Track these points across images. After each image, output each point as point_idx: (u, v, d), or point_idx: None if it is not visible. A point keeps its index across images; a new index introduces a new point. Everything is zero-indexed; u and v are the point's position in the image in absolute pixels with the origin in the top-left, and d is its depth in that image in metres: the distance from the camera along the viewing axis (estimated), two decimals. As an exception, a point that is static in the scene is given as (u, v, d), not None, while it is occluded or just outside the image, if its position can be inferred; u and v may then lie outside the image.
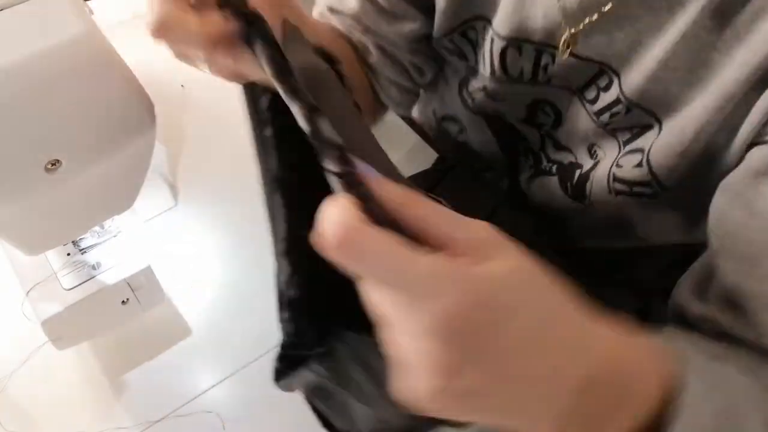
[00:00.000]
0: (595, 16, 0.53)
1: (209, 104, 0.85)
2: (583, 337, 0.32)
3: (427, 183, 0.75)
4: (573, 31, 0.55)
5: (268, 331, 0.66)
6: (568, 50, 0.55)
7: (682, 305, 0.49)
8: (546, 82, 0.62)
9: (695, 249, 0.82)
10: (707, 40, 0.50)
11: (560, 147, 0.68)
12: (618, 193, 0.61)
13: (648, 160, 0.57)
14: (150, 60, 0.90)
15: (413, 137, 0.82)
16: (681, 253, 0.79)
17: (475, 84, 0.68)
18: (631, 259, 0.75)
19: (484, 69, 0.64)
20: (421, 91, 0.91)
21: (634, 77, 0.55)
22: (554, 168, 0.69)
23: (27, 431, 0.60)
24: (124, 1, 0.96)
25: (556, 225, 0.76)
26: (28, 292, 0.56)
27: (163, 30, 0.39)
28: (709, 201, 0.58)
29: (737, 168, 0.50)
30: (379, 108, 0.73)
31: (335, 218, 0.26)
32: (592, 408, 0.32)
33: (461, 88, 0.71)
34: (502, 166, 0.77)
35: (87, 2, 0.51)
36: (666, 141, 0.55)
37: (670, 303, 0.52)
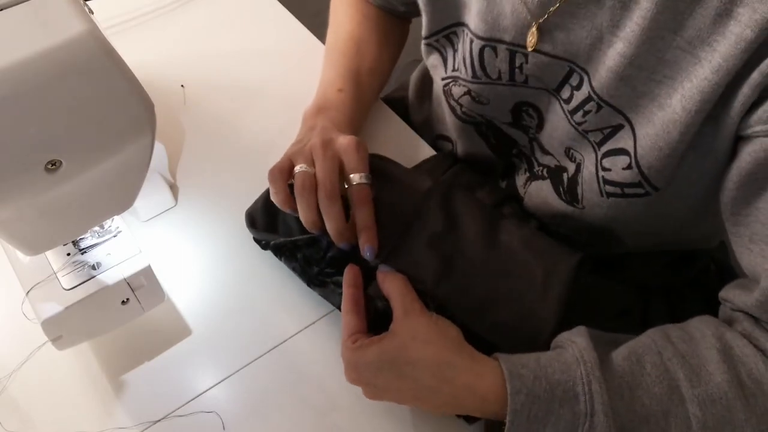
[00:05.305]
0: (557, 5, 0.56)
1: (209, 104, 0.85)
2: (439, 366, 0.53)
3: (438, 169, 0.77)
4: (539, 21, 0.57)
5: (268, 331, 0.66)
6: (535, 42, 0.59)
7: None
8: (524, 83, 0.63)
9: (690, 252, 0.82)
10: (670, 40, 0.51)
11: (545, 151, 0.69)
12: (610, 195, 0.62)
13: (638, 163, 0.57)
14: (150, 60, 0.90)
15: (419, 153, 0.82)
16: (675, 255, 0.80)
17: (458, 90, 0.70)
18: (627, 260, 0.76)
19: (466, 72, 0.66)
20: (419, 115, 0.92)
21: (602, 73, 0.56)
22: (545, 171, 0.70)
23: (27, 431, 0.60)
24: (124, 1, 0.96)
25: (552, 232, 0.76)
26: (28, 292, 0.56)
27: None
28: (701, 198, 0.59)
29: (734, 169, 0.52)
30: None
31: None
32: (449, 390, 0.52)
33: (447, 98, 0.73)
34: (498, 170, 0.78)
35: (87, 2, 0.51)
36: (652, 143, 0.56)
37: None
